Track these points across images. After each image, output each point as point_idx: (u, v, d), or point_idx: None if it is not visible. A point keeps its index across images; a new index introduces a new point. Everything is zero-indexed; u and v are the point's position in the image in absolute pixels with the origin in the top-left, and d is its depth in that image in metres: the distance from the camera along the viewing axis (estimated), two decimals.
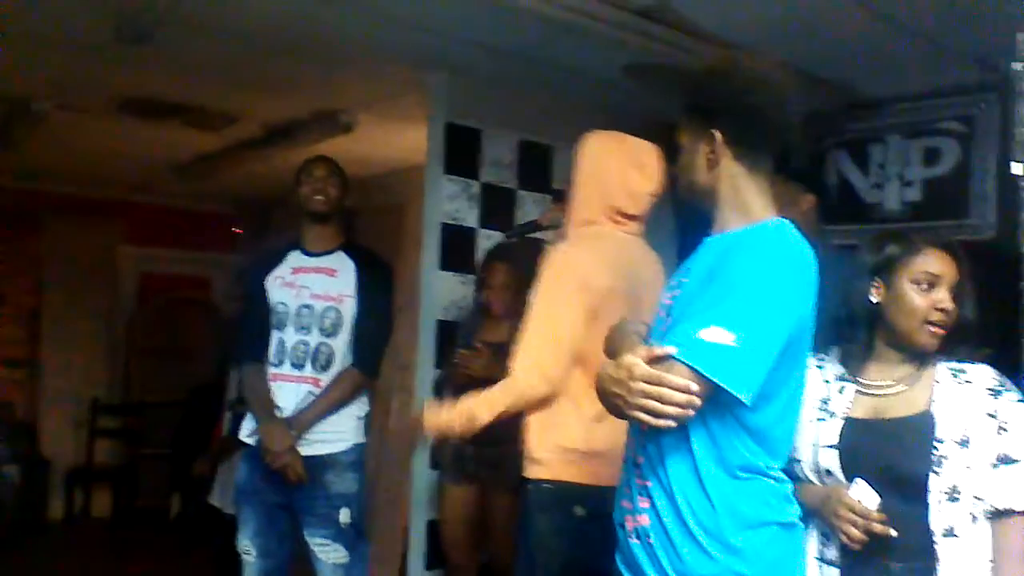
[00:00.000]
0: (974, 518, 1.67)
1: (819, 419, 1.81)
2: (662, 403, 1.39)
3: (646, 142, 2.32)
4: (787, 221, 1.58)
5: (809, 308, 1.52)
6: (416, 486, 3.41)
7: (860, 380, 1.81)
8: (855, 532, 1.65)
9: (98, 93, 3.92)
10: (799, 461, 1.81)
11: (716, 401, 1.42)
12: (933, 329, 1.73)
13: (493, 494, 3.19)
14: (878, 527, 1.64)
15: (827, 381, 1.84)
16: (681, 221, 3.86)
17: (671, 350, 1.41)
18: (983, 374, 1.73)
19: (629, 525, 1.60)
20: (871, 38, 2.84)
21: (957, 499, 1.67)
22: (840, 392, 1.82)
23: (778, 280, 1.45)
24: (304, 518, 2.77)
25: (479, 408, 2.17)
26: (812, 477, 1.80)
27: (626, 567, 1.63)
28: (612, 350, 1.67)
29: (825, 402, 1.82)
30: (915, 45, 2.88)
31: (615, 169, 2.26)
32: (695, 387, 1.38)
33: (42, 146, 4.89)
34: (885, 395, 1.78)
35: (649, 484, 1.56)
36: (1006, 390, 1.70)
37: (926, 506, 1.66)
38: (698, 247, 1.67)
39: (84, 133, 4.71)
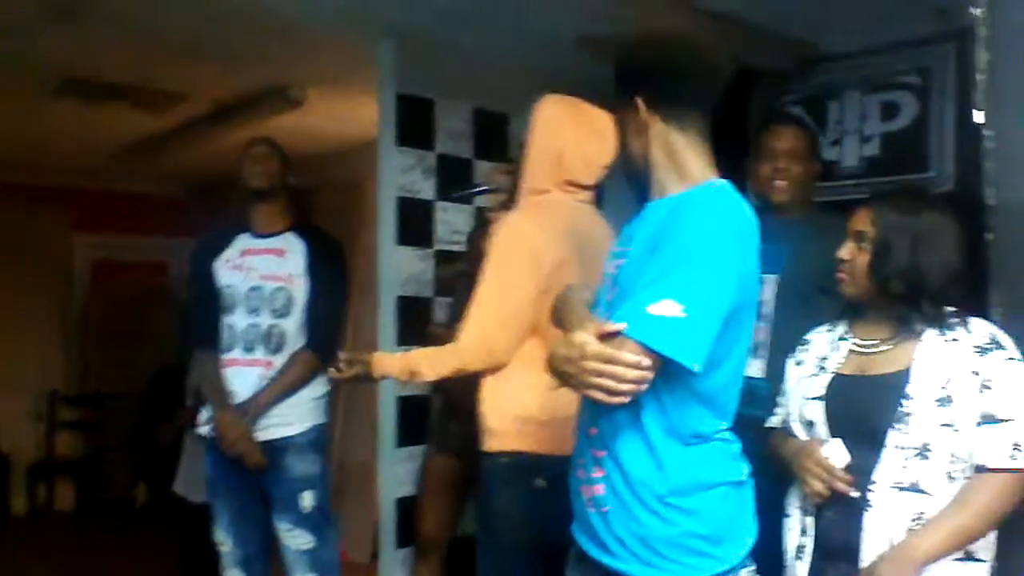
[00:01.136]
0: (951, 478, 1.67)
1: (812, 374, 1.87)
2: (615, 381, 1.39)
3: (602, 111, 2.26)
4: (726, 182, 1.58)
5: (753, 270, 1.53)
6: (383, 464, 3.35)
7: (854, 339, 1.86)
8: (817, 486, 1.75)
9: (32, 75, 3.78)
10: (789, 414, 1.89)
11: (666, 371, 1.43)
12: (837, 277, 1.85)
13: (477, 469, 3.16)
14: (841, 485, 1.71)
15: (831, 341, 1.90)
16: (639, 190, 3.84)
17: (621, 326, 1.40)
18: (975, 331, 1.72)
19: (585, 495, 1.62)
20: None
21: (928, 456, 1.66)
22: (837, 350, 1.87)
23: (722, 246, 1.45)
24: (271, 503, 2.74)
25: (423, 365, 2.19)
26: (798, 429, 1.87)
27: (584, 535, 1.64)
28: (558, 319, 1.68)
29: (823, 359, 1.88)
30: None
31: (570, 138, 2.21)
32: (646, 362, 1.38)
33: None
34: (872, 353, 1.81)
35: (603, 455, 1.58)
36: (996, 348, 1.69)
37: (879, 459, 1.70)
38: (640, 213, 1.66)
39: (22, 118, 4.55)
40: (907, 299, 1.75)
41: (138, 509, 5.92)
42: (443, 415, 3.24)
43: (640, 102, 1.58)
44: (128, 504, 5.98)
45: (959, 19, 2.93)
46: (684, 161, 1.58)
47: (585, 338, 1.42)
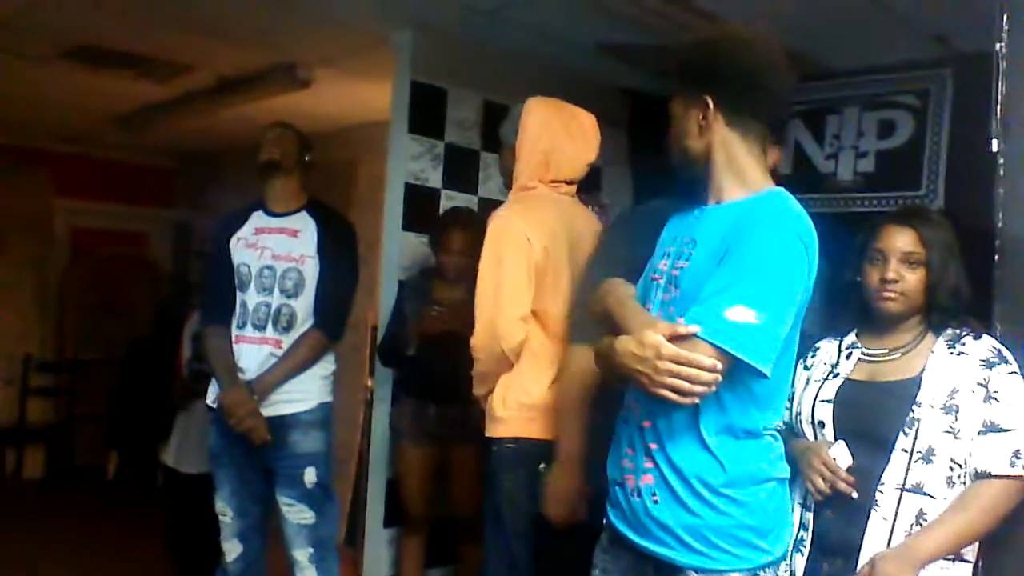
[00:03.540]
0: (951, 482, 1.77)
1: (824, 379, 1.96)
2: (689, 382, 1.44)
3: (584, 111, 2.43)
4: (784, 190, 1.62)
5: (812, 277, 1.57)
6: (375, 445, 3.41)
7: (864, 347, 1.96)
8: (821, 483, 1.83)
9: (43, 39, 3.75)
10: (799, 414, 1.97)
11: (731, 373, 1.48)
12: (884, 295, 1.87)
13: (454, 451, 3.24)
14: (843, 485, 1.80)
15: (840, 349, 1.99)
16: (638, 181, 3.93)
17: (695, 329, 1.46)
18: (981, 346, 1.82)
19: (631, 484, 1.67)
20: (833, 10, 2.89)
21: (932, 461, 1.76)
22: (847, 357, 1.97)
23: (791, 255, 1.50)
24: (274, 478, 2.77)
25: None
26: (807, 429, 1.95)
27: (623, 522, 1.70)
28: (606, 314, 1.69)
29: (834, 365, 1.97)
30: (875, 18, 2.94)
31: (557, 139, 2.36)
32: (720, 366, 1.44)
33: None
34: (882, 361, 1.91)
35: (655, 447, 1.62)
36: (1001, 362, 1.79)
37: (887, 461, 1.78)
38: (694, 215, 1.70)
39: (21, 81, 4.51)
40: (954, 311, 1.86)
41: (110, 479, 5.88)
42: (416, 404, 3.28)
43: (710, 102, 1.60)
44: (99, 474, 5.94)
45: (958, 47, 3.07)
46: (744, 167, 1.62)
47: (659, 339, 1.46)
